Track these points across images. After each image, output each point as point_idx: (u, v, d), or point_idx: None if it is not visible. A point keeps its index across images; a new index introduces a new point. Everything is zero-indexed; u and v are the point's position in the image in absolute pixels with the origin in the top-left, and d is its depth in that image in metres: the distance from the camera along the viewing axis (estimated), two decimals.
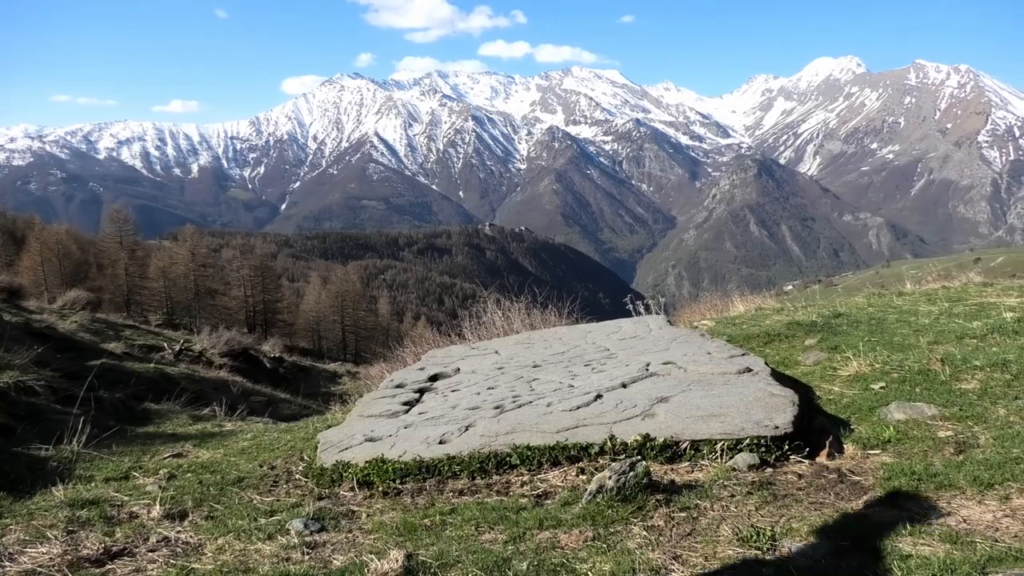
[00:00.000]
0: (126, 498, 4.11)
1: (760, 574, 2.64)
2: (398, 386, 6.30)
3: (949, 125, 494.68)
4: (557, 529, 3.20)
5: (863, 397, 4.96)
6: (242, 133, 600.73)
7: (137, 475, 4.67)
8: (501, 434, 4.36)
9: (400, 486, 3.99)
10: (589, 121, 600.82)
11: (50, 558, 3.14)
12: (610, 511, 3.30)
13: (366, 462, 4.21)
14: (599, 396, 4.94)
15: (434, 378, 6.57)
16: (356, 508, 3.76)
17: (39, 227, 43.24)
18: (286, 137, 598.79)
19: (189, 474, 4.65)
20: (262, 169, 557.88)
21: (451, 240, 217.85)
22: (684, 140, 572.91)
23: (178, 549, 3.28)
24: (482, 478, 4.00)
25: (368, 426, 5.05)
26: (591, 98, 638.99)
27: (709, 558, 2.85)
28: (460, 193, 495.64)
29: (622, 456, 3.93)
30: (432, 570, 2.82)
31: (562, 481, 3.89)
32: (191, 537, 3.41)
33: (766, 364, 5.50)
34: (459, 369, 6.83)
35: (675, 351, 6.29)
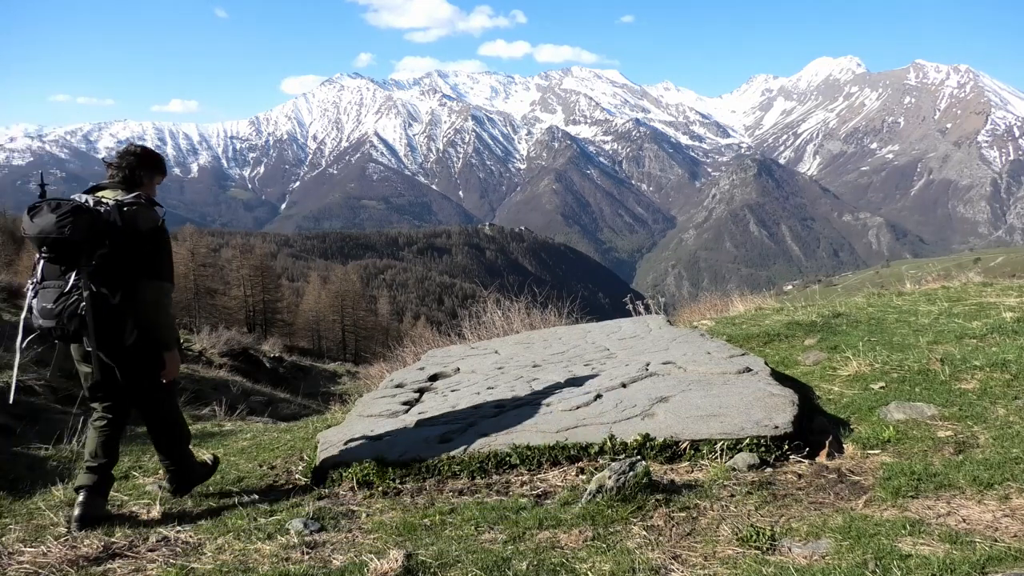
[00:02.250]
0: (126, 498, 4.11)
1: (760, 574, 2.64)
2: (398, 386, 6.29)
3: (949, 125, 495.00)
4: (557, 529, 3.20)
5: (863, 397, 4.96)
6: (242, 133, 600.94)
7: (137, 475, 4.67)
8: (501, 434, 4.36)
9: (400, 486, 3.99)
10: (589, 121, 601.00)
11: (50, 557, 3.15)
12: (610, 511, 3.30)
13: (366, 462, 4.21)
14: (599, 396, 4.95)
15: (434, 378, 6.56)
16: (356, 508, 3.76)
17: None
18: (286, 137, 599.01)
19: None
20: (262, 169, 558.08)
21: (451, 240, 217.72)
22: (684, 140, 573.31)
23: (178, 549, 3.28)
24: (482, 478, 4.00)
25: (368, 426, 5.04)
26: (591, 98, 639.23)
27: (709, 558, 2.85)
28: (460, 193, 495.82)
29: (622, 456, 3.93)
30: (432, 570, 2.82)
31: (562, 481, 3.89)
32: (191, 537, 3.42)
33: (766, 364, 5.50)
34: (459, 369, 6.83)
35: (675, 351, 6.29)
